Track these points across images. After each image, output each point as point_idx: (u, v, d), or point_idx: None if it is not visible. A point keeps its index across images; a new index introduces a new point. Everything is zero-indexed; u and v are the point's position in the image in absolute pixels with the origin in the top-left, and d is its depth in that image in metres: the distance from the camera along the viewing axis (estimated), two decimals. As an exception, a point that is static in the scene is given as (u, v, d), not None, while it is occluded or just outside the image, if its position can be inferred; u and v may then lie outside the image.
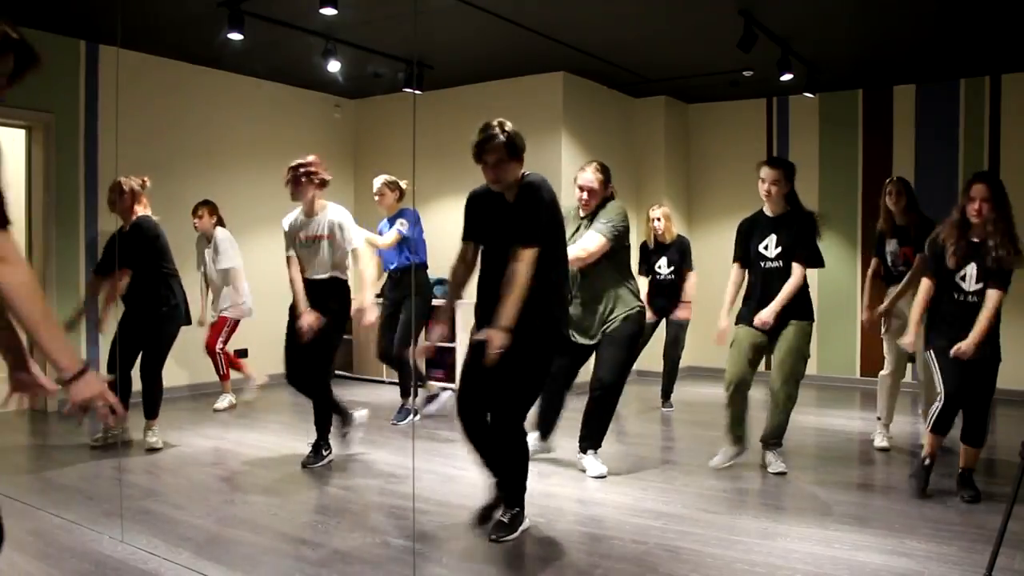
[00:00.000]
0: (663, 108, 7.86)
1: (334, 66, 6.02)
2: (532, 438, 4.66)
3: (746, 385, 4.25)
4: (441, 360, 7.16)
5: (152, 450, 4.77)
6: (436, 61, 6.61)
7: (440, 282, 6.54)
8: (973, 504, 3.74)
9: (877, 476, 4.30)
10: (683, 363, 6.37)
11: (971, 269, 3.78)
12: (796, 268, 4.14)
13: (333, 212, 4.45)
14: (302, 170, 4.38)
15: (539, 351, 3.24)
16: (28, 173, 5.94)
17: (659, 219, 5.87)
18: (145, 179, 4.97)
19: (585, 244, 4.05)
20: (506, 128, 3.23)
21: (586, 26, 5.68)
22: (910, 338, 3.99)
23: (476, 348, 3.21)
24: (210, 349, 6.10)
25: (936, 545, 3.19)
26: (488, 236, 3.37)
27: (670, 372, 6.18)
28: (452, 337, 7.04)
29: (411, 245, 5.59)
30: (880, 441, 4.83)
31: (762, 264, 4.23)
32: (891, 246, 4.73)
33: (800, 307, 4.20)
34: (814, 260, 4.22)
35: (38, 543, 3.23)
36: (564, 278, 3.48)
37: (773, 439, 4.32)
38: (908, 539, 3.26)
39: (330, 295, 4.41)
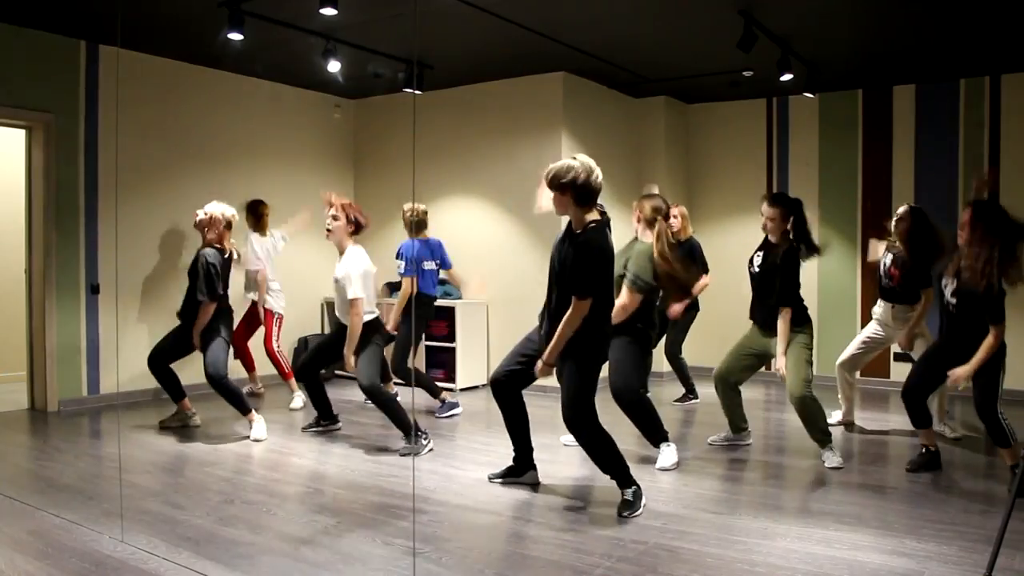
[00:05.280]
0: (663, 108, 7.86)
1: (334, 66, 6.01)
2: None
3: (725, 381, 4.78)
4: (441, 360, 7.17)
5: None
6: (436, 61, 6.61)
7: (442, 282, 6.53)
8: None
9: (877, 476, 4.29)
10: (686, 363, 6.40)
11: (951, 281, 4.07)
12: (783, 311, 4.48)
13: None
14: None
15: (582, 357, 3.64)
16: (28, 173, 5.94)
17: (675, 217, 5.86)
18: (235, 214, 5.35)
19: None
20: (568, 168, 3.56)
21: (586, 26, 5.68)
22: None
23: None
24: (269, 348, 6.36)
25: (936, 545, 3.19)
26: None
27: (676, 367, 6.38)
28: (452, 337, 7.05)
29: None
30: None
31: (750, 270, 4.75)
32: (887, 258, 5.09)
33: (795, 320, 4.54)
34: (787, 297, 4.46)
35: (38, 543, 3.23)
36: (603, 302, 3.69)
37: (816, 439, 4.56)
38: (908, 539, 3.27)
39: None
